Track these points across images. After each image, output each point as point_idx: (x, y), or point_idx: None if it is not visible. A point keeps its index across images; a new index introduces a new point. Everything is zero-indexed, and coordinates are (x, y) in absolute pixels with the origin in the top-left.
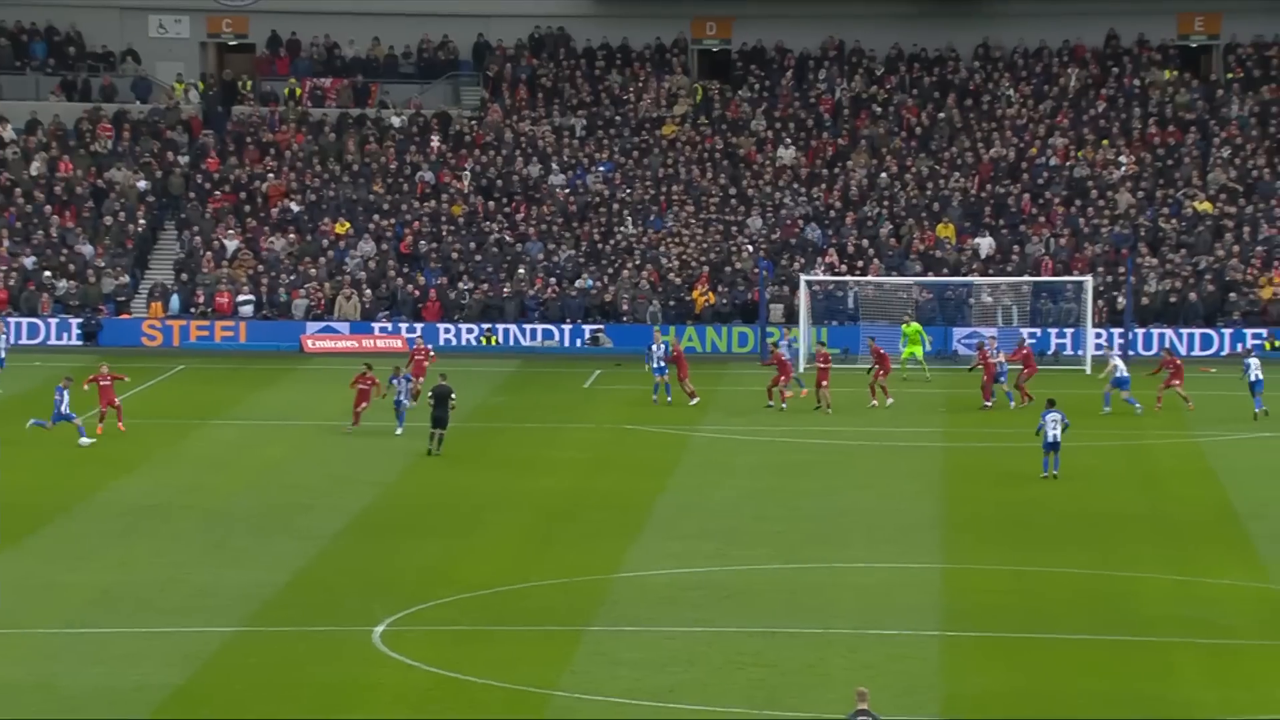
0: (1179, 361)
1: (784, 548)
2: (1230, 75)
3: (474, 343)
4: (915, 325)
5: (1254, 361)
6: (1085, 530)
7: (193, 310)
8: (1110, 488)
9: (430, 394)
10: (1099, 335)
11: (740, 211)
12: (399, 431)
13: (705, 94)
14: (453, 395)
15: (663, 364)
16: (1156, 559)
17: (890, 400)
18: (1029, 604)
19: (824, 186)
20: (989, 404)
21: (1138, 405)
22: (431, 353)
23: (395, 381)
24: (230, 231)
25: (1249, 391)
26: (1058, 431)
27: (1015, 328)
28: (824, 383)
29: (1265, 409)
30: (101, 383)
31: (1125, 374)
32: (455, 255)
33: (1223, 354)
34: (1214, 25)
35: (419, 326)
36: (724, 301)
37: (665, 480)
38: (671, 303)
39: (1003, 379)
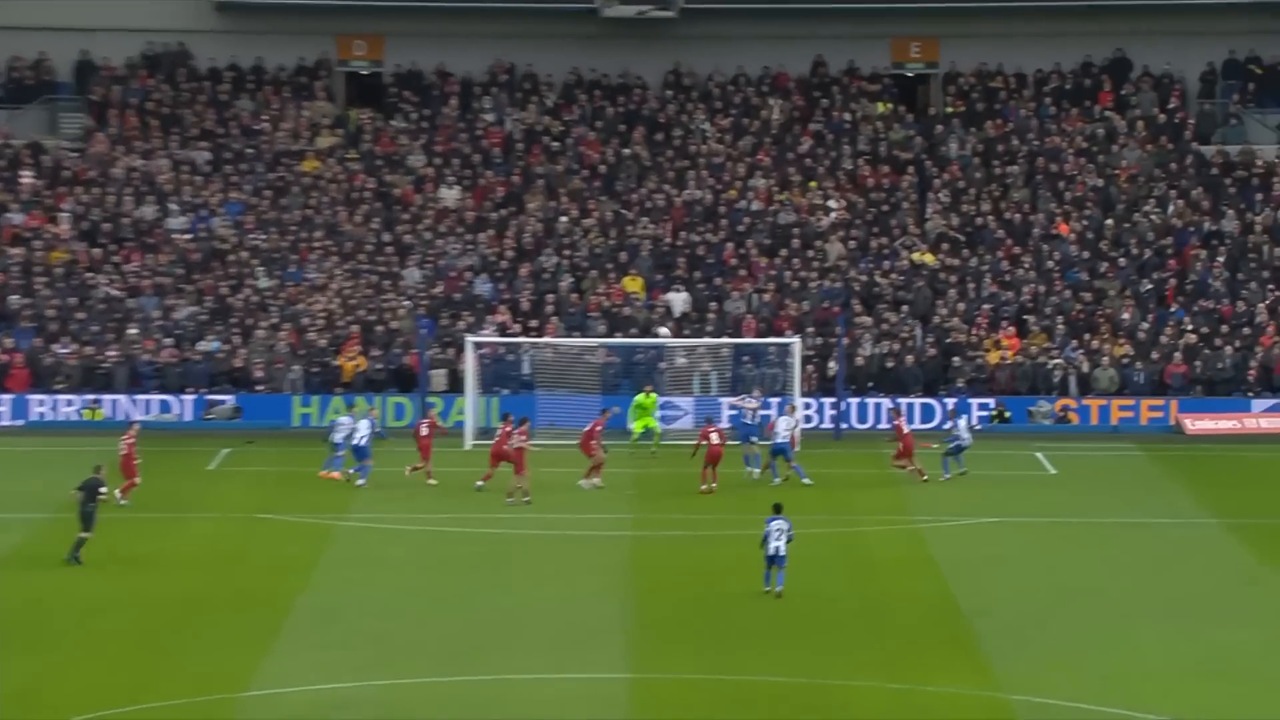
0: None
1: (447, 657)
2: (950, 109)
3: (75, 417)
4: (654, 397)
5: (961, 422)
6: (792, 630)
7: None
8: (820, 580)
9: (77, 488)
10: (809, 405)
11: (396, 261)
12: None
13: (354, 124)
14: (102, 489)
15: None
16: (873, 663)
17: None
18: None
19: (493, 233)
20: (711, 486)
21: (777, 478)
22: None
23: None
24: None
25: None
26: (781, 543)
27: (714, 396)
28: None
29: (964, 469)
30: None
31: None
32: (52, 312)
33: (945, 427)
34: (931, 52)
35: (6, 398)
36: (377, 367)
37: (306, 577)
38: (315, 368)
39: (750, 463)
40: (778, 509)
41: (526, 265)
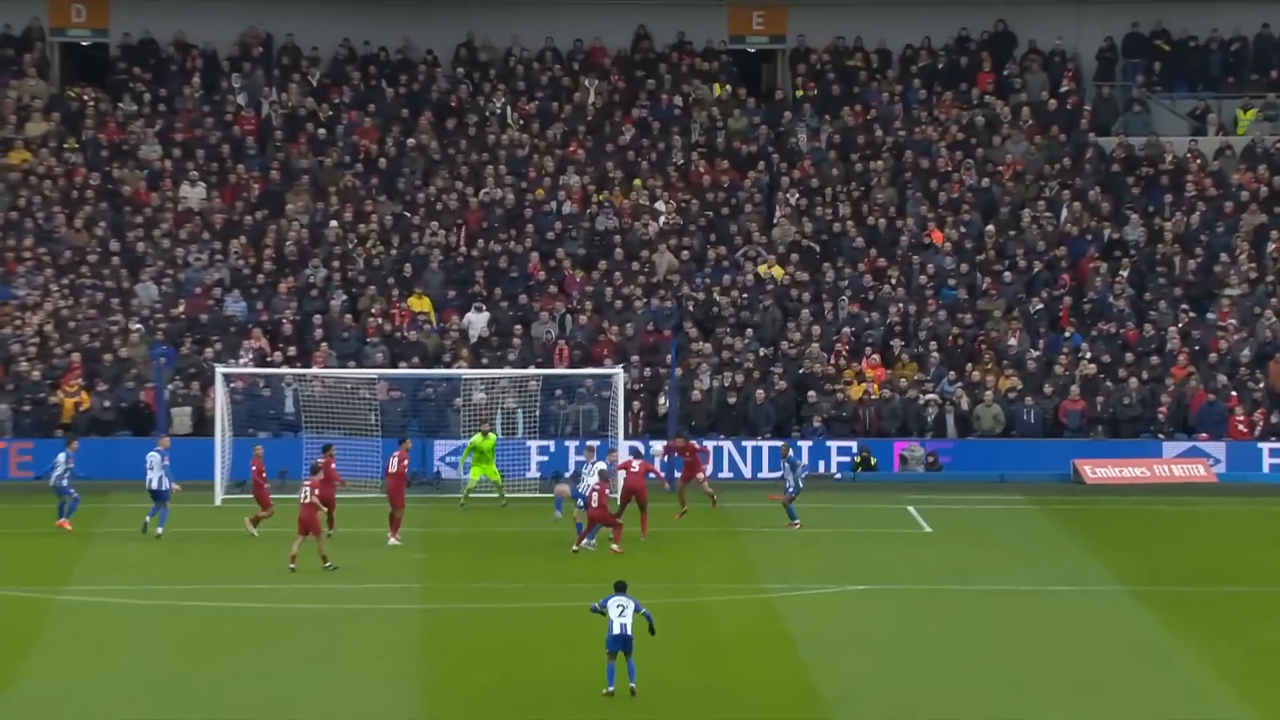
0: (696, 447)
1: None
2: (800, 92)
3: None
4: (494, 437)
5: (788, 464)
6: (622, 713)
7: None
8: (654, 661)
9: None
10: (635, 451)
11: (126, 276)
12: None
13: (74, 106)
14: None
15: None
16: None
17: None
18: None
19: (246, 241)
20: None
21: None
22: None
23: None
24: None
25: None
26: (628, 619)
27: (519, 439)
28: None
29: (795, 522)
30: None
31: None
32: None
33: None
34: (777, 23)
35: None
36: (105, 404)
37: (14, 668)
38: (27, 406)
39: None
40: (620, 587)
41: (288, 280)
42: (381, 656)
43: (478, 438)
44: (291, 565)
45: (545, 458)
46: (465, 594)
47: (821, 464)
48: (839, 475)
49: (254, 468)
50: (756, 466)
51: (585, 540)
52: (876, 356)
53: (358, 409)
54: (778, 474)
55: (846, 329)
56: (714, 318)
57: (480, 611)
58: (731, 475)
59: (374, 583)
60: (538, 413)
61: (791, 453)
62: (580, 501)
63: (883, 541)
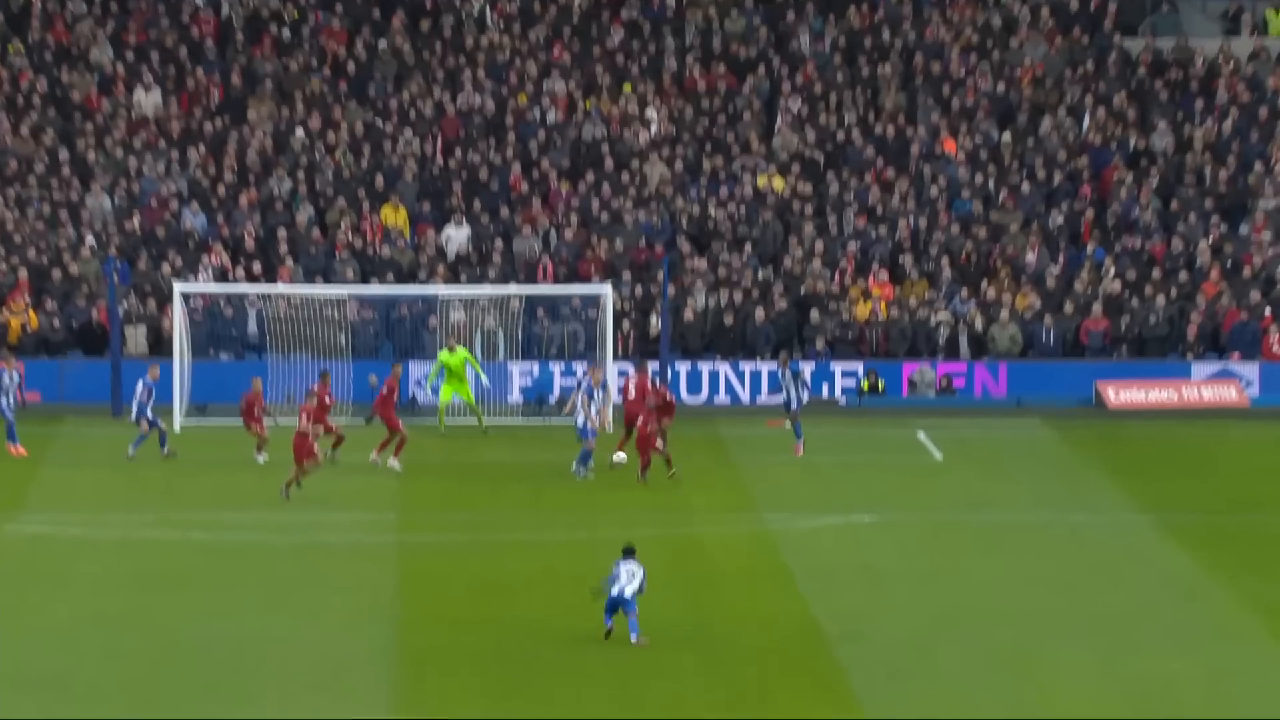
0: (664, 393)
1: (151, 699)
2: None
3: None
4: (462, 352)
5: (790, 374)
6: (604, 663)
7: None
8: (647, 597)
9: None
10: (623, 374)
11: (76, 187)
12: None
13: (15, 6)
14: None
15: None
16: (710, 704)
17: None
18: None
19: (206, 150)
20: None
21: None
22: None
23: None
24: None
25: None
26: (631, 588)
27: (502, 363)
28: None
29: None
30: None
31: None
32: None
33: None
34: None
35: None
36: (54, 325)
37: None
38: None
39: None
40: (629, 552)
41: (251, 192)
42: (353, 590)
43: (444, 354)
44: (285, 495)
45: (528, 381)
46: (443, 525)
47: (826, 388)
48: (844, 400)
49: (384, 389)
50: (755, 391)
51: (618, 455)
52: (884, 274)
53: (326, 330)
54: (778, 396)
55: (852, 244)
56: (709, 233)
57: (458, 544)
58: (729, 400)
59: (346, 512)
60: (520, 334)
61: (792, 363)
62: (590, 436)
63: (890, 470)
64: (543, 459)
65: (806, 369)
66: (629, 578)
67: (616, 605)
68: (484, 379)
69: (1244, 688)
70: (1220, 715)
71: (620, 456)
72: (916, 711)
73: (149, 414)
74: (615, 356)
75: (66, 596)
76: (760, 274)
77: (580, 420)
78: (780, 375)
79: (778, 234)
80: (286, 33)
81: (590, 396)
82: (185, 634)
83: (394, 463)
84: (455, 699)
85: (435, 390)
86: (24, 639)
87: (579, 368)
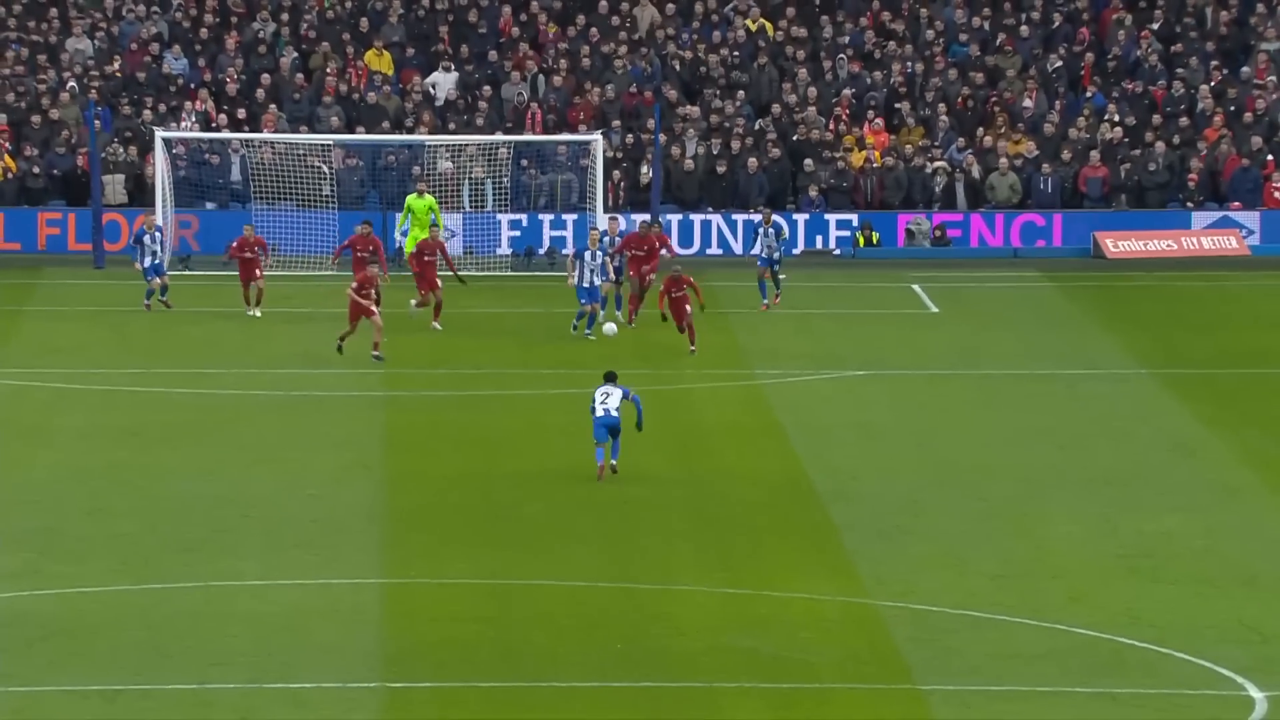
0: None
1: (136, 558)
2: None
3: None
4: (429, 199)
5: (772, 231)
6: (593, 521)
7: None
8: (632, 455)
9: None
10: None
11: (55, 29)
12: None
13: None
14: None
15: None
16: (700, 562)
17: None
18: (509, 637)
19: None
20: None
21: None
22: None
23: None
24: None
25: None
26: (612, 406)
27: (489, 212)
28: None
29: (777, 294)
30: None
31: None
32: None
33: (794, 251)
34: None
35: None
36: (34, 171)
37: None
38: None
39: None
40: (610, 377)
41: (234, 35)
42: (340, 447)
43: (412, 197)
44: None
45: (517, 233)
46: (430, 381)
47: (819, 239)
48: (838, 251)
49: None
50: (749, 243)
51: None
52: (879, 121)
53: (310, 178)
54: (761, 242)
55: (847, 90)
56: (701, 78)
57: (446, 400)
58: (721, 251)
59: (332, 368)
60: (508, 183)
61: (776, 220)
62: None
63: (885, 323)
64: (531, 312)
65: (801, 221)
66: (602, 398)
67: (606, 438)
68: (441, 227)
69: (1241, 543)
70: (1216, 571)
71: (610, 328)
72: (909, 569)
73: (152, 261)
74: (606, 206)
75: (48, 452)
76: (753, 121)
77: (573, 280)
78: (759, 229)
79: (772, 80)
80: None
81: (580, 259)
82: (169, 491)
83: (435, 324)
84: (442, 557)
85: (404, 234)
86: (4, 495)
87: (568, 220)
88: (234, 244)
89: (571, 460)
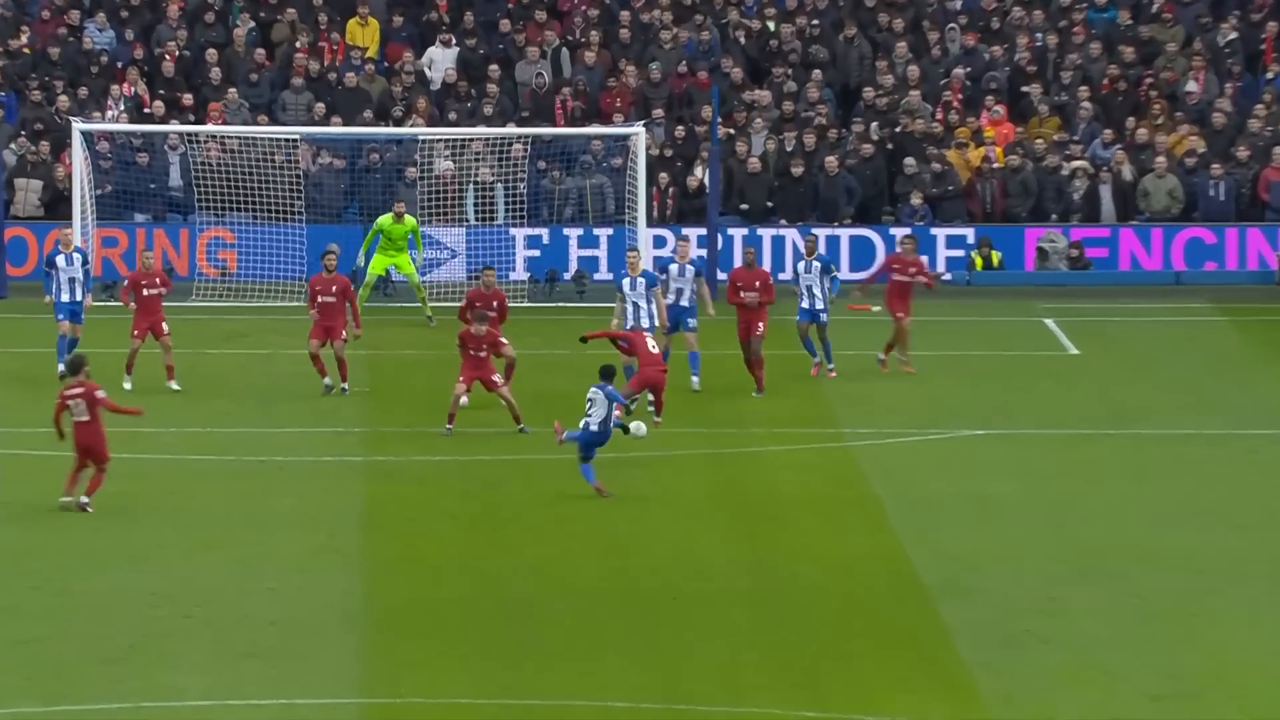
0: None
1: (45, 671)
2: None
3: None
4: (410, 222)
5: (817, 265)
6: (634, 622)
7: None
8: (686, 534)
9: None
10: (659, 242)
11: None
12: None
13: None
14: None
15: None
16: (773, 677)
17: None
18: None
19: None
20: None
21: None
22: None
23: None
24: None
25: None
26: (595, 418)
27: (501, 226)
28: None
29: (831, 368)
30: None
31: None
32: None
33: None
34: None
35: None
36: None
37: None
38: None
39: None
40: (607, 373)
41: (175, 1)
42: (310, 525)
43: (386, 219)
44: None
45: (536, 252)
46: (421, 442)
47: (925, 261)
48: (949, 276)
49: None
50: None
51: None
52: (1001, 108)
53: (273, 183)
54: (801, 282)
55: (959, 70)
56: (772, 54)
57: (439, 465)
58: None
59: (297, 426)
60: (524, 190)
61: (821, 251)
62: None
63: (1009, 368)
64: (552, 356)
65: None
66: (588, 405)
67: (589, 445)
68: (419, 254)
69: None
70: None
71: (639, 428)
72: (1045, 685)
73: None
74: (650, 220)
75: None
76: (839, 110)
77: (615, 324)
78: (802, 269)
79: (863, 56)
80: None
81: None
82: (89, 585)
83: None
84: (438, 669)
85: (368, 258)
86: None
87: (602, 235)
88: (126, 281)
89: (606, 542)
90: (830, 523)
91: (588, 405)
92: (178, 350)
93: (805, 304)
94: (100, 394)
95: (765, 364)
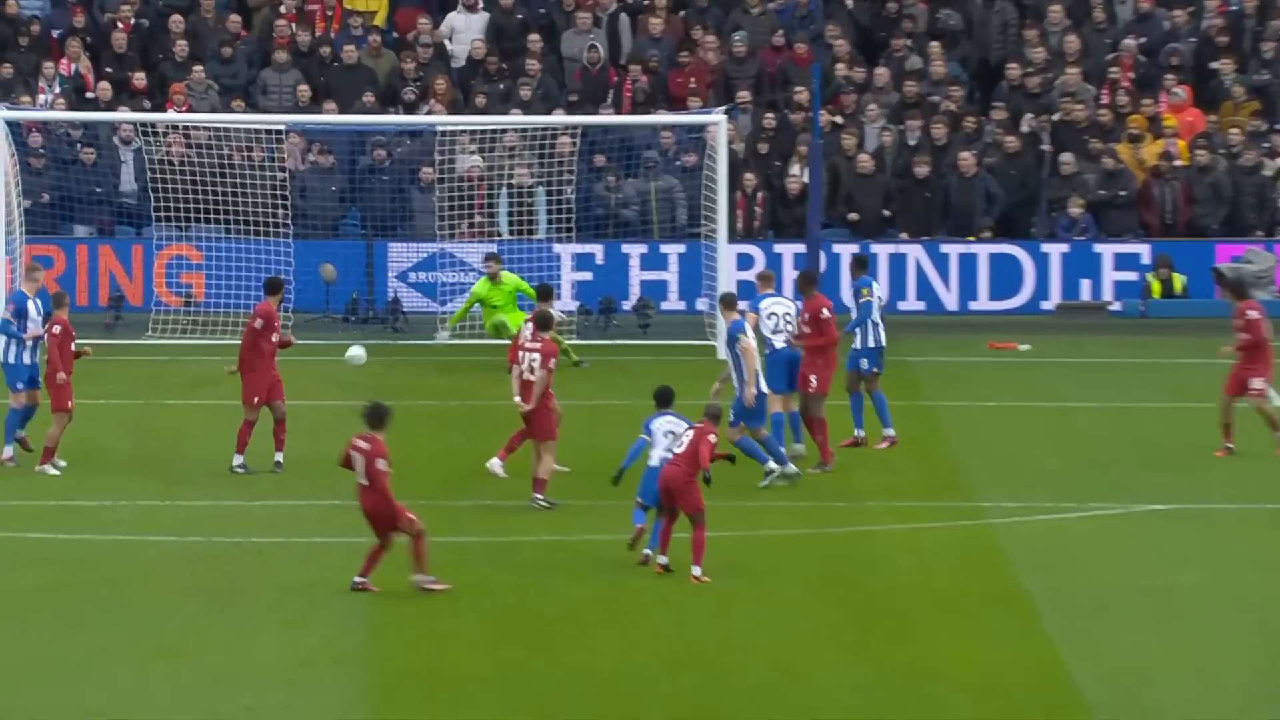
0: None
1: None
2: None
3: None
4: (511, 280)
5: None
6: None
7: None
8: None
9: None
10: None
11: None
12: None
13: None
14: None
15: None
16: None
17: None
18: None
19: None
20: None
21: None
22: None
23: None
24: None
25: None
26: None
27: (543, 241)
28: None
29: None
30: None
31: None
32: None
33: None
34: None
35: None
36: None
37: None
38: None
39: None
40: (664, 398)
41: None
42: (298, 626)
43: (482, 284)
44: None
45: (587, 274)
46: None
47: (1087, 285)
48: (1118, 305)
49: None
50: (968, 288)
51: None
52: (1184, 90)
53: (251, 186)
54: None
55: (1130, 40)
56: (889, 22)
57: (467, 548)
58: (923, 305)
59: (282, 498)
60: (573, 195)
61: (864, 279)
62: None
63: (1194, 424)
64: (610, 407)
65: (1056, 256)
66: (668, 439)
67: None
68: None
69: None
70: None
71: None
72: None
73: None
74: (732, 236)
75: None
76: (975, 93)
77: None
78: (859, 289)
79: (1006, 24)
80: None
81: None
82: (17, 701)
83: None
84: None
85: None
86: None
87: (671, 254)
88: (50, 326)
89: (677, 650)
90: (967, 625)
91: (660, 439)
92: (129, 401)
93: (856, 344)
94: (381, 464)
95: (827, 427)
